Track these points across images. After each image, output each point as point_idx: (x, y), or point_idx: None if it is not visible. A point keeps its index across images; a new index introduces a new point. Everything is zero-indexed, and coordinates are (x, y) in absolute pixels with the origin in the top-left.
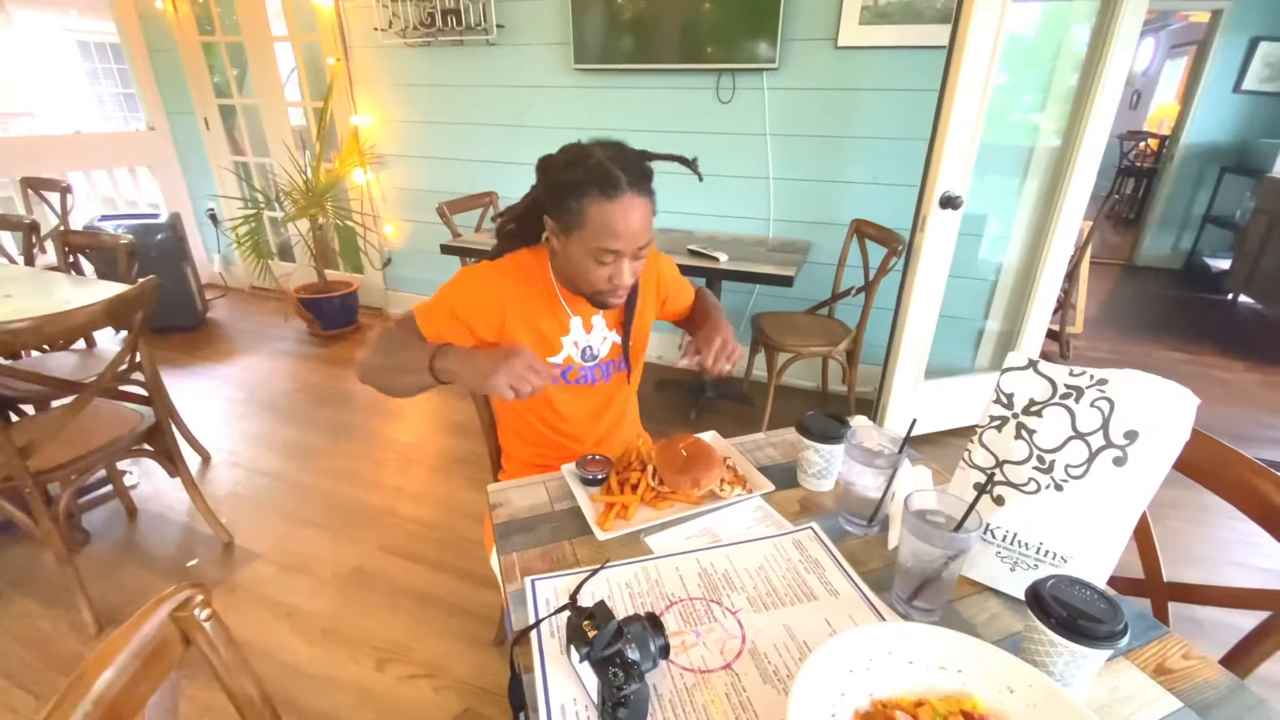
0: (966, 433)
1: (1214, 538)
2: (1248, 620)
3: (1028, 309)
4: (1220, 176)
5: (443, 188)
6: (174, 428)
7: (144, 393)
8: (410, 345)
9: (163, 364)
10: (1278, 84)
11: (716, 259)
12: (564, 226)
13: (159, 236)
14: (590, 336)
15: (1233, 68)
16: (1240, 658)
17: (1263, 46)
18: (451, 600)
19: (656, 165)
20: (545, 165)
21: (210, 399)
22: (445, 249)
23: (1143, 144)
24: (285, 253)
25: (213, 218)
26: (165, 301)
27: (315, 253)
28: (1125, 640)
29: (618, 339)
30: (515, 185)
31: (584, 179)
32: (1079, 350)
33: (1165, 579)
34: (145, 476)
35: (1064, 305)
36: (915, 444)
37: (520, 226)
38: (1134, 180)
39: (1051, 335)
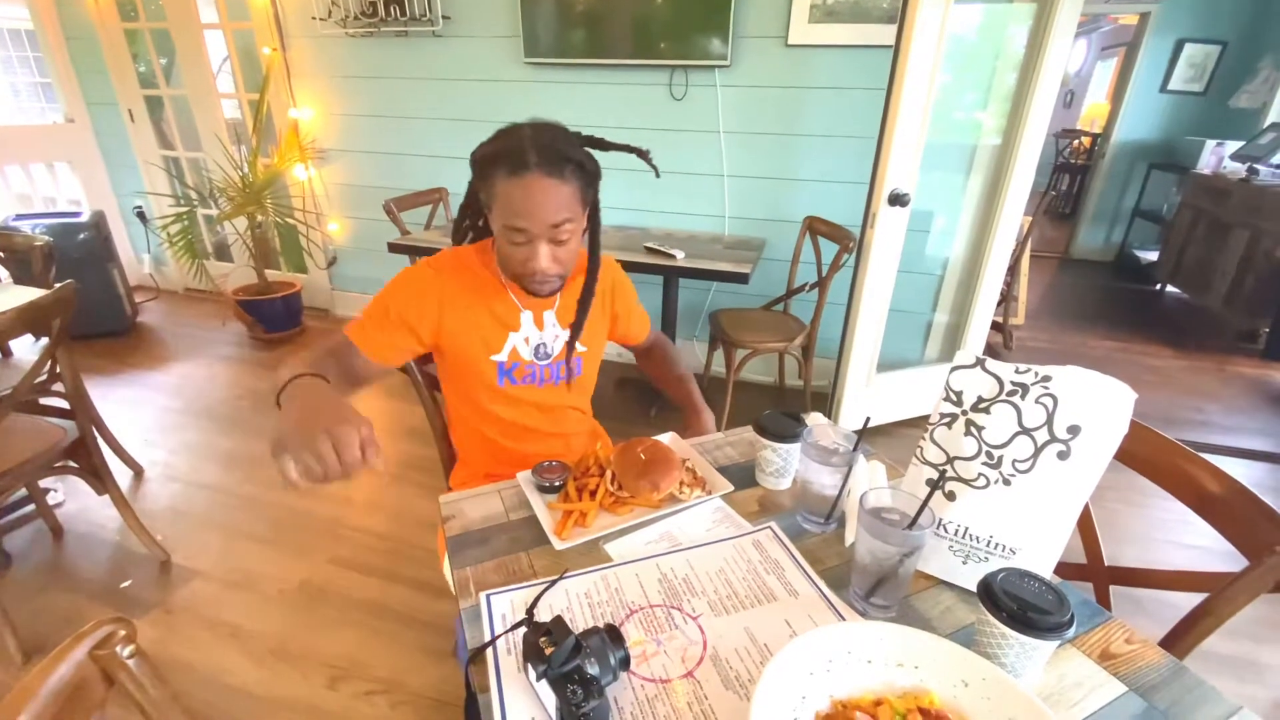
0: (918, 423)
1: (1148, 518)
2: (1184, 598)
3: (973, 302)
4: (1148, 173)
5: (389, 184)
6: (101, 441)
7: (66, 405)
8: (330, 359)
9: (89, 372)
10: (1201, 84)
11: (673, 256)
12: (488, 206)
13: (81, 236)
14: (543, 334)
15: (1159, 68)
16: (1179, 639)
17: (1187, 48)
18: (406, 612)
19: (612, 162)
20: (478, 151)
21: (143, 408)
22: (393, 247)
23: (1076, 141)
24: (222, 252)
25: (141, 216)
26: (90, 306)
27: (254, 252)
28: (1072, 630)
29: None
30: (465, 181)
31: (496, 154)
32: (1021, 341)
33: (1106, 563)
34: (72, 494)
35: (1006, 298)
36: (869, 436)
37: (471, 219)
38: (1069, 176)
39: (995, 327)
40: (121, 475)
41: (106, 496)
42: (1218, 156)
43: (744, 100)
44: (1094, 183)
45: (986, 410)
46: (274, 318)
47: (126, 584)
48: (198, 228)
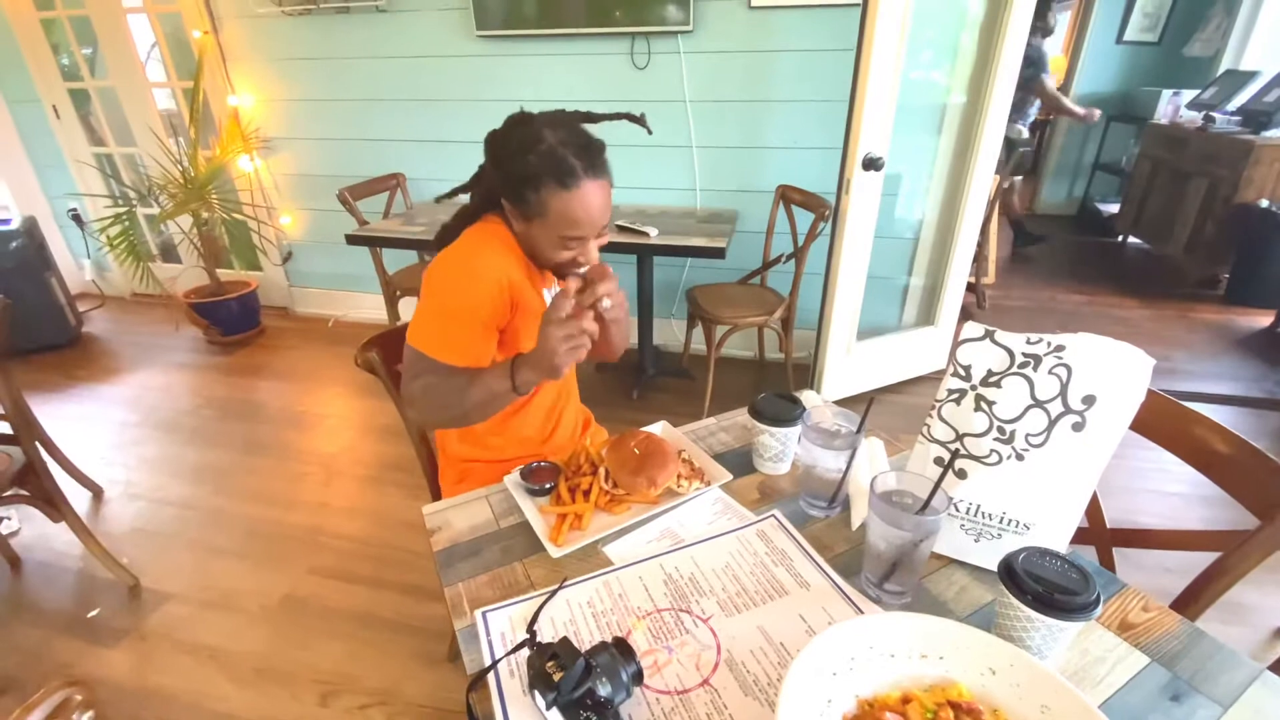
0: (900, 389)
1: (1127, 468)
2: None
3: (949, 263)
4: (1107, 125)
5: (342, 171)
6: (53, 464)
7: (8, 430)
8: (473, 380)
9: (33, 390)
10: (1155, 34)
11: (647, 234)
12: (524, 214)
13: (13, 245)
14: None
15: (1114, 20)
16: (1193, 600)
17: None
18: (397, 618)
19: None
20: (495, 148)
21: (97, 425)
22: (352, 239)
23: None
24: (168, 253)
25: (76, 219)
26: (28, 318)
27: (203, 251)
28: (1099, 609)
29: None
30: (423, 165)
31: (539, 170)
32: (994, 299)
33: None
34: (28, 520)
35: (978, 257)
36: (851, 405)
37: (479, 211)
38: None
39: (969, 287)
40: (79, 497)
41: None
42: (1174, 106)
43: (709, 67)
44: (1055, 138)
45: (997, 384)
46: (230, 319)
47: (94, 613)
48: (139, 228)
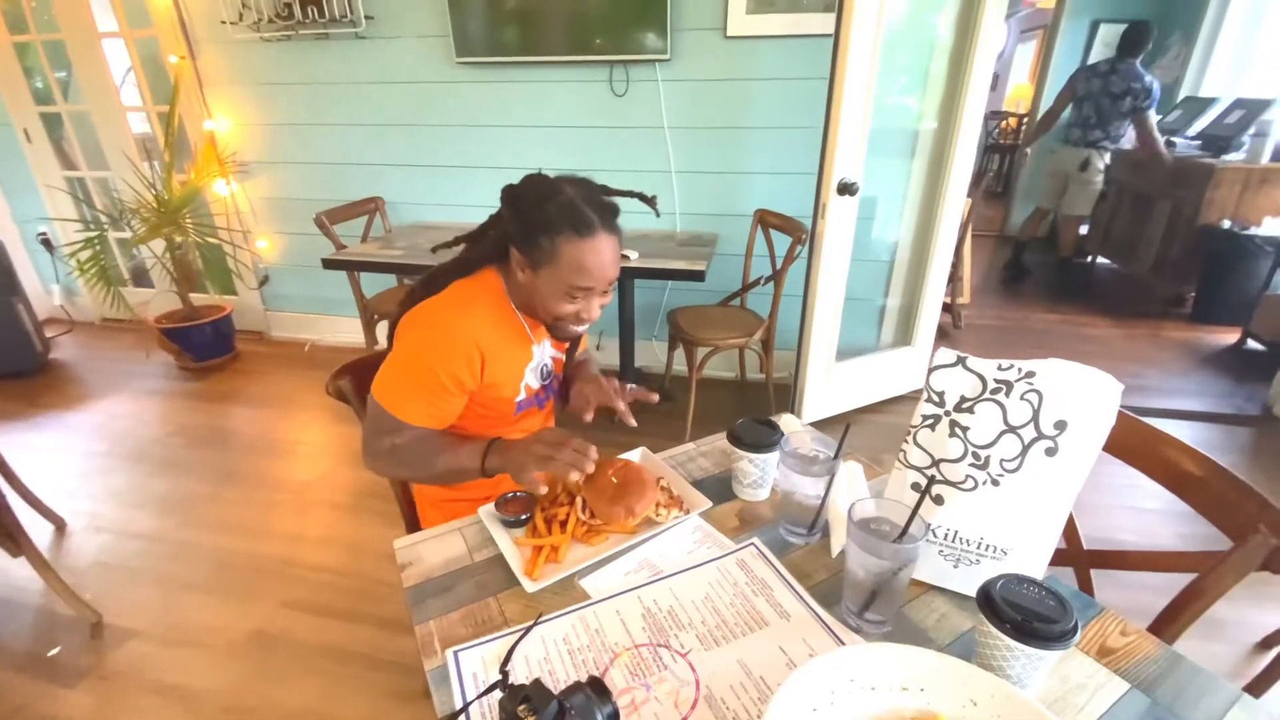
0: (879, 409)
1: (1102, 485)
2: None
3: (924, 284)
4: None
5: (320, 195)
6: (13, 495)
7: None
8: (444, 449)
9: None
10: None
11: (628, 256)
12: (534, 262)
13: None
14: (542, 355)
15: (1077, 49)
16: (1170, 622)
17: (1103, 28)
18: (371, 653)
19: (561, 160)
20: (513, 199)
21: (61, 454)
22: (329, 263)
23: (1004, 122)
24: (140, 278)
25: (46, 243)
26: None
27: (175, 276)
28: (1077, 636)
29: (558, 354)
30: (402, 188)
31: (557, 217)
32: (969, 319)
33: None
34: None
35: (952, 278)
36: (830, 426)
37: (481, 257)
38: (999, 156)
39: (944, 307)
40: (41, 530)
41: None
42: None
43: (687, 94)
44: (1022, 161)
45: (970, 410)
46: (203, 345)
47: (55, 651)
48: (110, 253)
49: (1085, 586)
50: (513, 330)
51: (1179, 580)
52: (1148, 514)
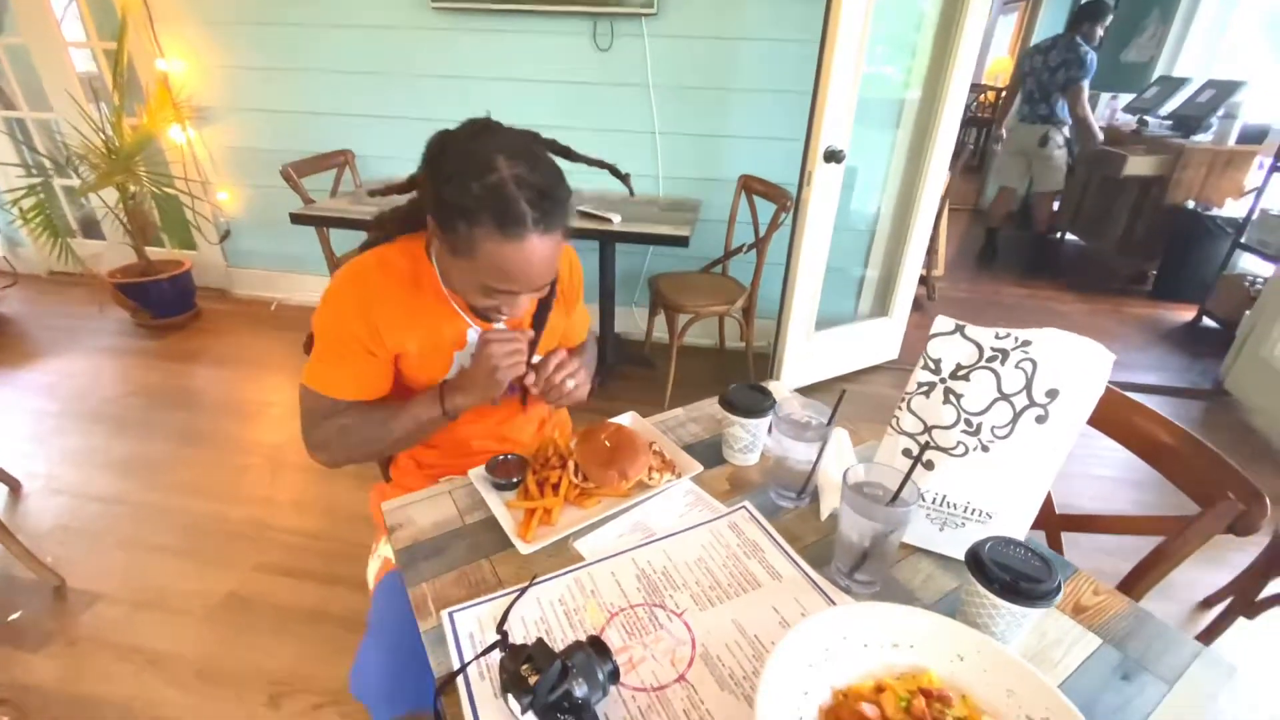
0: (856, 378)
1: None
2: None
3: (903, 256)
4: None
5: (287, 146)
6: None
7: None
8: (397, 412)
9: None
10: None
11: (610, 220)
12: (449, 244)
13: None
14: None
15: (1058, 25)
16: (1137, 581)
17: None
18: (349, 615)
19: (539, 119)
20: (437, 156)
21: (12, 414)
22: (296, 218)
23: (982, 96)
24: (90, 229)
25: None
26: None
27: (129, 228)
28: (1059, 595)
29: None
30: (374, 141)
31: (479, 204)
32: (943, 291)
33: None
34: None
35: (930, 250)
36: (811, 392)
37: (404, 224)
38: (976, 130)
39: (919, 279)
40: None
41: None
42: (1111, 109)
43: (673, 51)
44: (999, 139)
45: (965, 377)
46: (161, 301)
47: (15, 616)
48: (57, 201)
49: (1055, 548)
50: (428, 309)
51: (1135, 544)
52: (1103, 481)
